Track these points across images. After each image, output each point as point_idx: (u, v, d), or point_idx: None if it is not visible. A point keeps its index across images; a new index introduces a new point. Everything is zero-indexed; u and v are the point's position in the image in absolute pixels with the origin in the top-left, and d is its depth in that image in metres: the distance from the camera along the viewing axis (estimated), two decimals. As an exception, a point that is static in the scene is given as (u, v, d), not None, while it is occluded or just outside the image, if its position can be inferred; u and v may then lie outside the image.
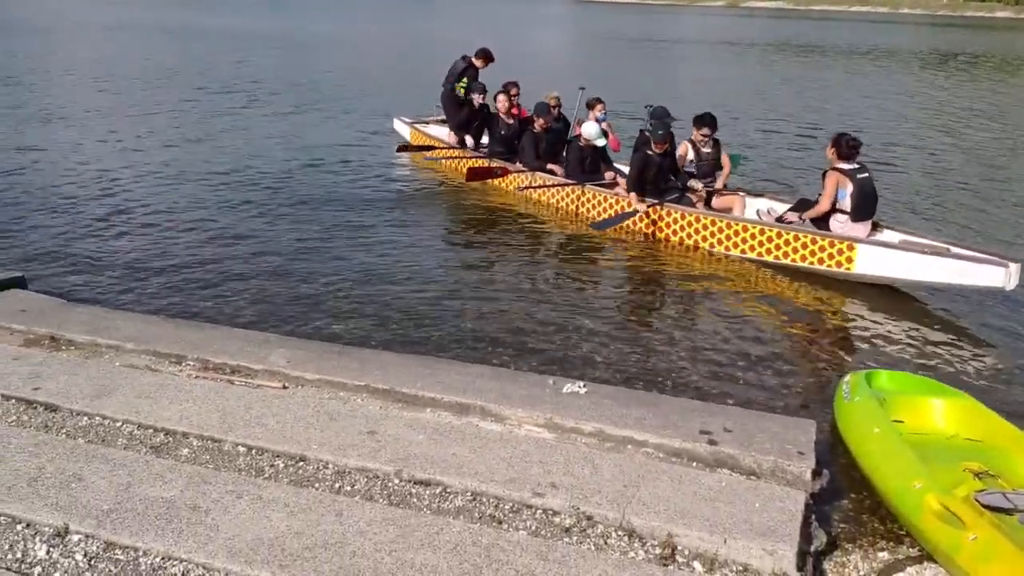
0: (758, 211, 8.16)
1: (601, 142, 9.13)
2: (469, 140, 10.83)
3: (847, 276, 7.02)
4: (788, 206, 7.77)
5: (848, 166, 7.15)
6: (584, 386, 4.41)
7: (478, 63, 11.14)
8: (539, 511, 3.41)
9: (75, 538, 3.16)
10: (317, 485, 3.57)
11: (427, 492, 3.53)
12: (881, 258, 6.82)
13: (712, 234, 7.74)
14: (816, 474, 3.66)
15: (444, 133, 11.26)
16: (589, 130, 8.99)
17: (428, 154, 10.87)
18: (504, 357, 5.42)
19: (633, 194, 8.14)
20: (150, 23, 38.63)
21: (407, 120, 12.26)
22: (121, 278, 6.70)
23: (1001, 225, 9.20)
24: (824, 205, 7.22)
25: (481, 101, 10.58)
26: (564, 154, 9.47)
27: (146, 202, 8.95)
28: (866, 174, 7.20)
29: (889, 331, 6.21)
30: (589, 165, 9.14)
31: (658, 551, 3.19)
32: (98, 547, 3.11)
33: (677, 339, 5.89)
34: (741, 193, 8.47)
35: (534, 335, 5.82)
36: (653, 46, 39.94)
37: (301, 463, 3.74)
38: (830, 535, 3.48)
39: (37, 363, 4.61)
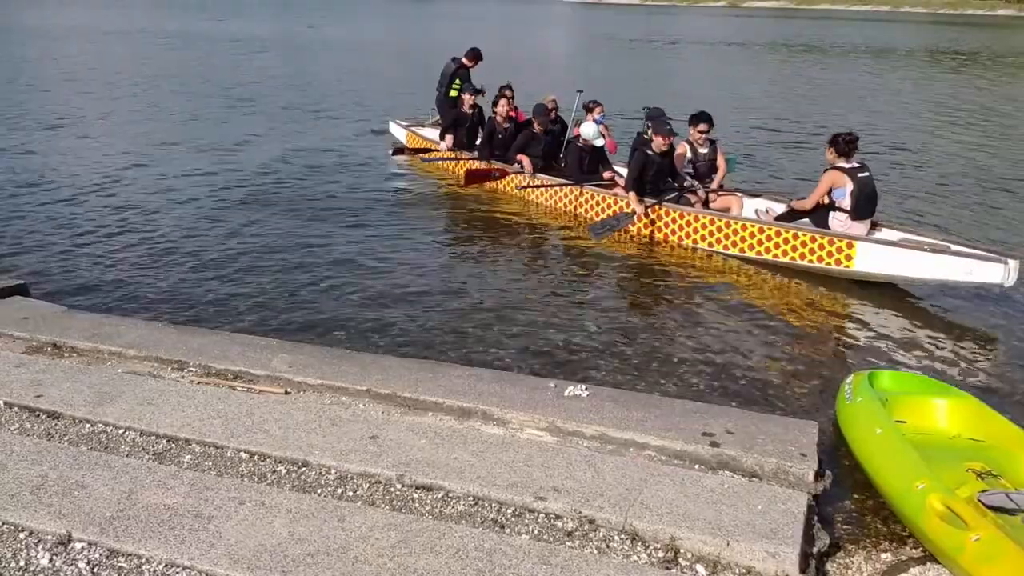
0: (756, 211, 8.16)
1: (599, 142, 9.15)
2: (448, 141, 10.55)
3: (847, 274, 7.02)
4: (786, 206, 7.76)
5: (848, 164, 7.12)
6: (586, 389, 4.40)
7: (468, 63, 11.14)
8: (541, 515, 3.41)
9: (78, 546, 3.15)
10: (319, 491, 3.57)
11: (429, 497, 3.53)
12: (881, 255, 6.82)
13: (711, 233, 7.73)
14: (818, 475, 3.66)
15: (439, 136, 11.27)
16: (587, 130, 9.02)
17: (424, 156, 10.88)
18: (505, 360, 5.42)
19: (632, 193, 8.14)
20: (150, 28, 38.70)
21: (403, 123, 12.29)
22: (123, 284, 6.71)
23: (1000, 222, 9.20)
24: (810, 202, 7.20)
25: (473, 101, 10.55)
26: (562, 155, 9.51)
27: (147, 208, 8.96)
28: (867, 173, 7.18)
29: (891, 331, 6.21)
30: (588, 165, 9.16)
31: (661, 554, 3.19)
32: (101, 555, 3.11)
33: (678, 340, 5.89)
34: (739, 193, 8.47)
35: (535, 337, 5.82)
36: (653, 46, 39.94)
37: (303, 469, 3.74)
38: (833, 536, 3.47)
39: (39, 370, 4.61)
